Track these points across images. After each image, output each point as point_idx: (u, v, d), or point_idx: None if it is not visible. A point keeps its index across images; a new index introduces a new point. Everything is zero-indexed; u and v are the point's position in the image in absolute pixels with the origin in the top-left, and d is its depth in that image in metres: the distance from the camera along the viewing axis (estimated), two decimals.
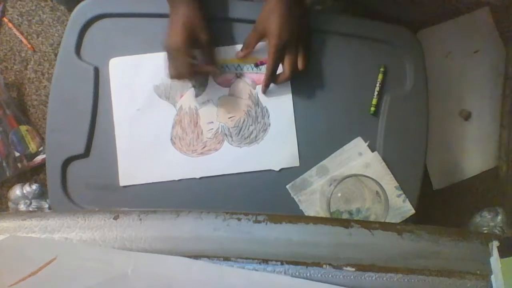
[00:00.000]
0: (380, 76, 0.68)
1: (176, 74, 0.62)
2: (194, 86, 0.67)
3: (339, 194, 0.64)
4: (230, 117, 0.67)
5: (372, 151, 0.67)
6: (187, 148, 0.66)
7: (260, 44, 0.65)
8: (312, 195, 0.66)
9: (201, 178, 0.66)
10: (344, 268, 0.41)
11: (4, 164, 0.99)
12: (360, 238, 0.43)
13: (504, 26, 1.07)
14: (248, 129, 0.67)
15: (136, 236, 0.42)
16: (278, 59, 0.63)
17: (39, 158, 1.02)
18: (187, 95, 0.67)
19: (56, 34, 1.07)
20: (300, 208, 0.66)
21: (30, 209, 0.88)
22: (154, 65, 0.66)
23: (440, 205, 1.06)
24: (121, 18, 0.67)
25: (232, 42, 0.67)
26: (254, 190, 0.66)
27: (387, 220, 0.59)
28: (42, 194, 0.92)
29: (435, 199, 1.06)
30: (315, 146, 0.67)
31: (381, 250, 0.43)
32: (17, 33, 1.06)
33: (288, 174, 0.66)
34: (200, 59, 0.64)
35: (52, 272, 0.39)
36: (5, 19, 1.06)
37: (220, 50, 0.67)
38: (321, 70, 0.68)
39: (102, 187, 0.65)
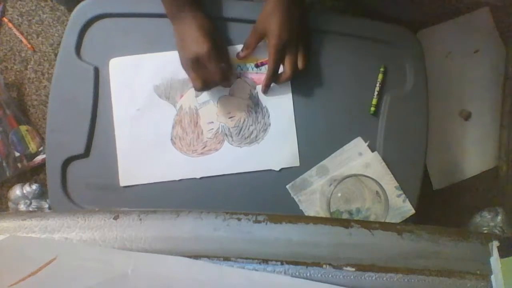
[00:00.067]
0: (380, 76, 0.68)
1: (207, 83, 0.61)
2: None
3: (339, 194, 0.64)
4: (230, 117, 0.67)
5: (372, 151, 0.67)
6: (187, 148, 0.66)
7: (260, 45, 0.65)
8: (312, 195, 0.66)
9: (201, 178, 0.66)
10: (344, 268, 0.41)
11: (4, 164, 0.99)
12: (360, 238, 0.43)
13: (504, 26, 1.06)
14: (248, 129, 0.67)
15: (136, 236, 0.42)
16: (279, 59, 0.63)
17: (39, 158, 1.02)
18: (187, 95, 0.67)
19: (56, 34, 1.07)
20: (300, 208, 0.66)
21: (30, 209, 0.88)
22: (154, 65, 0.66)
23: (440, 205, 1.06)
24: (121, 18, 0.67)
25: (232, 42, 0.67)
26: (254, 190, 0.66)
27: (387, 220, 0.59)
28: (42, 194, 0.92)
29: (435, 199, 1.05)
30: (315, 146, 0.67)
31: (381, 250, 0.43)
32: (17, 33, 1.06)
33: (288, 174, 0.66)
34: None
35: (52, 272, 0.39)
36: (5, 19, 1.06)
37: None
38: (321, 70, 0.68)
39: (102, 187, 0.65)
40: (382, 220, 0.58)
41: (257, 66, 0.67)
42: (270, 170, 0.66)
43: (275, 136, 0.67)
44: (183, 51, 0.61)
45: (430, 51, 1.05)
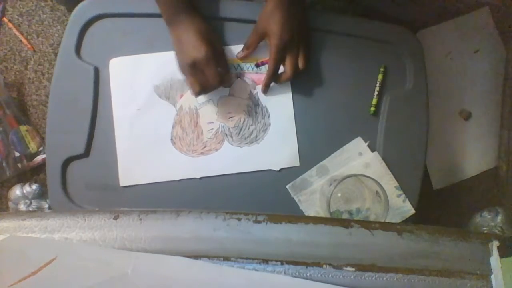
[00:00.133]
0: (380, 76, 0.68)
1: (204, 87, 0.61)
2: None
3: (339, 194, 0.64)
4: (230, 117, 0.67)
5: (372, 151, 0.67)
6: (187, 148, 0.66)
7: (261, 44, 0.65)
8: (312, 195, 0.66)
9: (201, 178, 0.66)
10: (344, 268, 0.41)
11: (4, 164, 0.99)
12: (360, 238, 0.43)
13: (504, 26, 1.07)
14: (248, 129, 0.67)
15: (136, 236, 0.42)
16: (279, 59, 0.63)
17: (39, 158, 1.02)
18: (187, 95, 0.67)
19: (56, 34, 1.07)
20: (300, 208, 0.66)
21: (30, 209, 0.88)
22: (154, 65, 0.66)
23: (440, 205, 1.06)
24: (121, 18, 0.67)
25: (232, 42, 0.67)
26: (254, 190, 0.66)
27: (387, 220, 0.59)
28: (42, 194, 0.92)
29: (435, 199, 1.06)
30: (315, 146, 0.67)
31: (381, 250, 0.43)
32: (17, 33, 1.06)
33: (288, 174, 0.66)
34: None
35: (52, 272, 0.39)
36: (5, 19, 1.06)
37: None
38: (321, 70, 0.68)
39: (102, 187, 0.65)
40: (382, 220, 0.58)
41: (257, 66, 0.67)
42: (270, 170, 0.66)
43: (275, 136, 0.67)
44: (180, 55, 0.61)
45: (430, 51, 1.05)
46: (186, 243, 0.42)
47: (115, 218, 0.43)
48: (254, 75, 0.67)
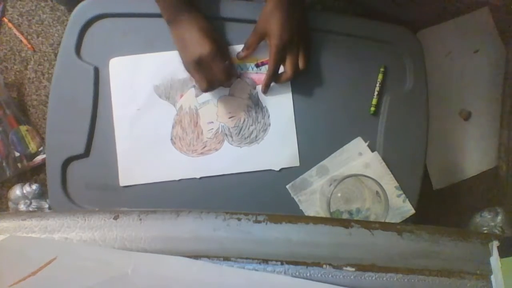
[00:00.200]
0: (380, 76, 0.68)
1: (212, 83, 0.61)
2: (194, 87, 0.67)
3: (339, 194, 0.64)
4: (230, 117, 0.67)
5: (372, 151, 0.67)
6: (187, 148, 0.66)
7: (261, 44, 0.65)
8: (312, 195, 0.66)
9: (201, 178, 0.66)
10: (344, 268, 0.41)
11: (4, 164, 0.99)
12: (360, 238, 0.43)
13: (504, 26, 1.06)
14: (248, 129, 0.67)
15: (136, 236, 0.42)
16: (279, 59, 0.63)
17: (39, 158, 1.02)
18: (187, 95, 0.67)
19: (56, 34, 1.07)
20: (300, 208, 0.66)
21: (30, 209, 0.88)
22: (154, 65, 0.66)
23: (440, 205, 1.06)
24: (121, 18, 0.67)
25: (232, 42, 0.67)
26: (254, 190, 0.66)
27: (387, 220, 0.59)
28: (42, 194, 0.92)
29: (435, 199, 1.05)
30: (315, 146, 0.67)
31: (381, 250, 0.43)
32: (17, 33, 1.06)
33: (288, 174, 0.66)
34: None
35: (52, 272, 0.39)
36: (5, 19, 1.06)
37: None
38: (321, 70, 0.68)
39: (102, 187, 0.65)
40: (382, 220, 0.58)
41: (257, 66, 0.67)
42: (270, 170, 0.66)
43: (275, 136, 0.67)
44: (185, 53, 0.61)
45: (430, 51, 1.05)
46: (186, 243, 0.42)
47: (115, 218, 0.43)
48: (254, 75, 0.67)
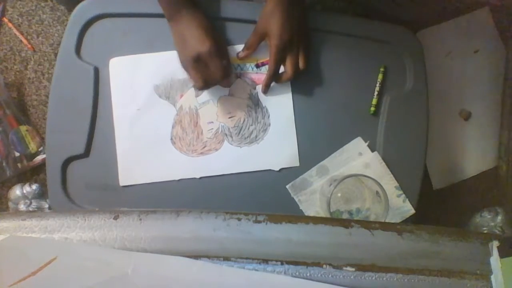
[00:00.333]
0: (380, 76, 0.68)
1: (208, 81, 0.61)
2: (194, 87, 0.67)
3: (339, 194, 0.64)
4: (230, 117, 0.67)
5: (372, 151, 0.67)
6: (187, 148, 0.66)
7: (261, 45, 0.65)
8: (312, 195, 0.66)
9: (201, 178, 0.66)
10: (344, 268, 0.41)
11: (4, 164, 0.99)
12: (360, 238, 0.43)
13: (504, 26, 1.07)
14: (248, 129, 0.67)
15: (136, 236, 0.42)
16: (279, 59, 0.63)
17: (39, 158, 1.02)
18: (187, 95, 0.67)
19: (56, 34, 1.07)
20: (300, 208, 0.66)
21: (30, 209, 0.88)
22: (154, 65, 0.66)
23: (440, 205, 1.06)
24: (121, 18, 0.67)
25: (232, 42, 0.67)
26: (254, 190, 0.66)
27: (387, 220, 0.59)
28: (42, 194, 0.92)
29: (435, 199, 1.05)
30: (315, 146, 0.67)
31: (381, 250, 0.43)
32: (17, 33, 1.06)
33: (288, 174, 0.66)
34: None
35: (52, 272, 0.39)
36: (5, 19, 1.06)
37: None
38: (321, 70, 0.68)
39: (102, 187, 0.65)
40: (382, 220, 0.58)
41: (257, 66, 0.67)
42: (270, 170, 0.66)
43: (275, 136, 0.67)
44: (183, 50, 0.61)
45: (430, 51, 1.05)
46: (186, 243, 0.42)
47: (115, 218, 0.43)
48: (254, 75, 0.67)
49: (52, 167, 0.65)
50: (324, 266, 0.41)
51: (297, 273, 0.40)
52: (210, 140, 0.67)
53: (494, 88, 1.07)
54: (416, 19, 1.05)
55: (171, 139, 0.66)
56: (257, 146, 0.67)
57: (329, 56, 0.68)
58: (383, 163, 0.66)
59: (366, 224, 0.44)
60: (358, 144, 0.67)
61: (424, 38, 1.05)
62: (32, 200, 0.90)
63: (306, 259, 0.42)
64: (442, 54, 1.06)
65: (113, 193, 0.65)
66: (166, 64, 0.66)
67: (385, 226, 0.44)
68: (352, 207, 0.64)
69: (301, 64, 0.64)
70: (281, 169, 0.66)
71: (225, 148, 0.66)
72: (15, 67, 1.06)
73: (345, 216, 0.64)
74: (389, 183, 0.66)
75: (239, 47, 0.66)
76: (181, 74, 0.65)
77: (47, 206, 0.90)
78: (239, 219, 0.43)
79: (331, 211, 0.59)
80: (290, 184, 0.66)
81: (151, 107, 0.66)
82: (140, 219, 0.43)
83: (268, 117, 0.67)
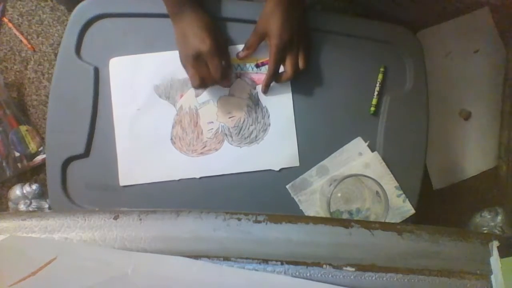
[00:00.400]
0: (380, 76, 0.68)
1: (205, 80, 0.62)
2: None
3: (339, 194, 0.64)
4: (230, 117, 0.67)
5: (372, 151, 0.67)
6: (187, 148, 0.66)
7: (261, 45, 0.65)
8: (312, 195, 0.66)
9: (201, 178, 0.66)
10: (344, 268, 0.41)
11: (4, 164, 0.99)
12: (360, 238, 0.43)
13: (504, 26, 1.07)
14: (248, 129, 0.67)
15: (136, 236, 0.42)
16: (279, 59, 0.63)
17: (39, 158, 1.02)
18: (187, 95, 0.67)
19: (56, 34, 1.07)
20: (300, 208, 0.66)
21: (30, 209, 0.88)
22: (154, 65, 0.66)
23: (440, 205, 1.06)
24: (121, 18, 0.67)
25: (232, 42, 0.67)
26: (254, 190, 0.66)
27: (387, 220, 0.59)
28: (42, 194, 0.92)
29: (435, 199, 1.05)
30: (315, 146, 0.67)
31: (381, 250, 0.43)
32: (17, 33, 1.06)
33: (288, 174, 0.66)
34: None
35: (52, 272, 0.39)
36: (5, 19, 1.06)
37: None
38: (321, 70, 0.68)
39: (102, 187, 0.65)
40: (382, 220, 0.58)
41: (257, 66, 0.67)
42: (270, 170, 0.66)
43: (275, 136, 0.67)
44: (184, 47, 0.61)
45: (430, 51, 1.05)
46: (186, 243, 0.42)
47: (115, 218, 0.43)
48: (254, 75, 0.67)
49: (52, 167, 0.65)
50: (324, 266, 0.41)
51: (297, 273, 0.40)
52: (210, 140, 0.67)
53: (494, 88, 1.07)
54: (416, 19, 1.05)
55: (171, 139, 0.66)
56: (257, 146, 0.67)
57: (329, 56, 0.68)
58: (383, 163, 0.66)
59: (366, 224, 0.44)
60: (358, 144, 0.67)
61: (424, 38, 1.05)
62: (32, 200, 0.90)
63: (306, 259, 0.42)
64: (442, 54, 1.06)
65: (113, 193, 0.65)
66: (166, 64, 0.66)
67: (385, 226, 0.44)
68: (352, 207, 0.64)
69: (301, 64, 0.64)
70: (281, 169, 0.66)
71: (225, 148, 0.66)
72: (15, 67, 1.06)
73: (345, 216, 0.64)
74: (389, 183, 0.66)
75: (239, 47, 0.66)
76: (181, 74, 0.65)
77: (47, 206, 0.90)
78: (239, 219, 0.43)
79: (331, 211, 0.59)
80: (290, 184, 0.66)
81: (151, 107, 0.66)
82: (140, 219, 0.43)
83: (268, 117, 0.67)
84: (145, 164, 0.66)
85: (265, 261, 0.41)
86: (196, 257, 0.41)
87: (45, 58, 1.07)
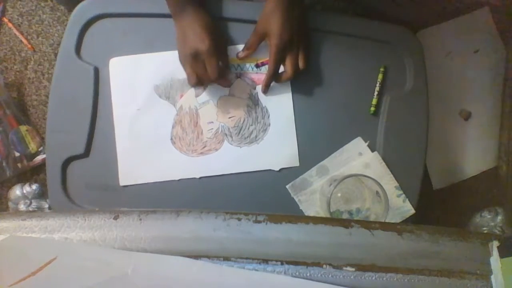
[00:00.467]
0: (380, 76, 0.68)
1: (202, 79, 0.62)
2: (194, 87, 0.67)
3: (339, 194, 0.64)
4: (230, 117, 0.67)
5: (372, 151, 0.67)
6: (187, 148, 0.66)
7: (261, 45, 0.65)
8: (312, 195, 0.66)
9: (201, 178, 0.66)
10: (344, 268, 0.41)
11: (4, 164, 0.99)
12: (360, 238, 0.43)
13: (504, 26, 1.06)
14: (248, 129, 0.67)
15: (136, 236, 0.42)
16: (279, 59, 0.63)
17: (39, 158, 1.02)
18: (187, 95, 0.67)
19: (56, 34, 1.07)
20: (300, 208, 0.66)
21: (30, 209, 0.88)
22: (154, 65, 0.66)
23: (440, 205, 1.06)
24: (121, 18, 0.67)
25: (232, 42, 0.67)
26: (254, 190, 0.66)
27: (387, 220, 0.59)
28: (42, 194, 0.92)
29: (435, 199, 1.05)
30: (315, 146, 0.67)
31: (381, 250, 0.43)
32: (17, 33, 1.06)
33: (288, 174, 0.66)
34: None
35: (52, 272, 0.39)
36: (5, 19, 1.06)
37: None
38: (321, 70, 0.68)
39: (102, 187, 0.65)
40: (382, 220, 0.58)
41: (257, 66, 0.67)
42: (270, 170, 0.66)
43: (275, 136, 0.67)
44: (183, 45, 0.62)
45: (430, 51, 1.05)
46: (186, 243, 0.42)
47: (115, 218, 0.43)
48: (254, 75, 0.67)
49: (52, 167, 0.65)
50: (324, 266, 0.41)
51: (297, 273, 0.40)
52: (210, 140, 0.67)
53: (494, 88, 1.06)
54: (416, 19, 1.05)
55: (171, 139, 0.66)
56: (257, 146, 0.67)
57: (329, 56, 0.68)
58: (383, 163, 0.66)
59: (366, 224, 0.44)
60: (358, 144, 0.67)
61: (424, 38, 1.05)
62: (32, 200, 0.90)
63: (306, 259, 0.42)
64: (442, 54, 1.06)
65: (113, 193, 0.65)
66: (166, 64, 0.66)
67: (385, 226, 0.44)
68: (352, 207, 0.64)
69: (301, 64, 0.64)
70: (281, 169, 0.66)
71: (225, 148, 0.66)
72: (15, 67, 1.06)
73: (345, 216, 0.64)
74: (389, 183, 0.66)
75: (239, 47, 0.66)
76: (181, 74, 0.65)
77: (47, 206, 0.89)
78: (239, 219, 0.43)
79: (331, 211, 0.59)
80: (290, 184, 0.66)
81: (151, 107, 0.66)
82: (140, 219, 0.43)
83: (268, 117, 0.67)
84: (145, 164, 0.66)
85: (265, 261, 0.41)
86: (196, 257, 0.41)
87: (45, 58, 1.07)
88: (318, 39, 0.67)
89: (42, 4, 1.07)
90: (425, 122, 0.68)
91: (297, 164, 0.67)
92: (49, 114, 0.66)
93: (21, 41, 1.06)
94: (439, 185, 1.06)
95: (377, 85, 0.68)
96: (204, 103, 0.67)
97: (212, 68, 0.61)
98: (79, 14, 0.66)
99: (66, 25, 0.67)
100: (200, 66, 0.61)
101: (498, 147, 1.06)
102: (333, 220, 0.46)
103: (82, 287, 0.39)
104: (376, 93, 0.67)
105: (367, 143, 0.67)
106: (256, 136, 0.67)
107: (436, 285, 0.41)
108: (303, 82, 0.67)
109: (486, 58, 1.06)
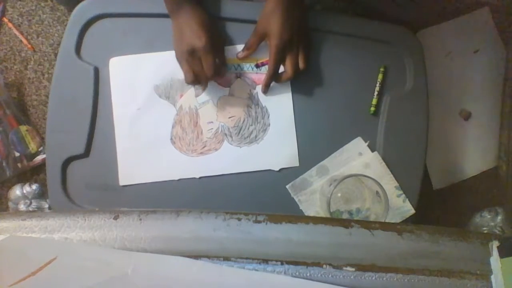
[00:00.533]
0: (380, 76, 0.68)
1: (198, 76, 0.62)
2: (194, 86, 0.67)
3: (339, 194, 0.64)
4: (230, 117, 0.67)
5: (372, 151, 0.67)
6: (187, 148, 0.66)
7: (261, 45, 0.65)
8: (312, 195, 0.66)
9: (200, 178, 0.66)
10: (344, 268, 0.41)
11: (4, 164, 0.99)
12: (360, 238, 0.43)
13: (504, 26, 1.07)
14: (248, 129, 0.67)
15: (136, 236, 0.42)
16: (279, 59, 0.63)
17: (39, 158, 1.02)
18: (187, 94, 0.67)
19: (56, 34, 1.07)
20: (300, 208, 0.66)
21: (30, 209, 0.88)
22: (154, 65, 0.66)
23: (440, 205, 1.06)
24: (121, 18, 0.67)
25: (232, 42, 0.67)
26: (254, 190, 0.66)
27: (387, 220, 0.59)
28: (42, 194, 0.92)
29: (435, 199, 1.05)
30: (315, 146, 0.67)
31: (381, 250, 0.43)
32: (17, 33, 1.06)
33: (288, 174, 0.66)
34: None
35: (52, 272, 0.39)
36: (5, 19, 1.06)
37: None
38: (321, 70, 0.68)
39: (102, 187, 0.65)
40: (382, 220, 0.58)
41: (257, 66, 0.67)
42: (270, 170, 0.66)
43: (275, 136, 0.67)
44: (180, 43, 0.62)
45: (430, 51, 1.05)
46: (186, 243, 0.42)
47: (115, 218, 0.43)
48: (254, 75, 0.67)
49: (52, 167, 0.65)
50: (324, 266, 0.41)
51: (297, 273, 0.40)
52: (210, 140, 0.67)
53: (494, 88, 1.06)
54: (416, 19, 1.05)
55: (171, 139, 0.66)
56: (257, 146, 0.67)
57: (329, 56, 0.68)
58: (383, 163, 0.66)
59: (366, 224, 0.44)
60: (358, 144, 0.67)
61: (424, 38, 1.05)
62: (32, 200, 0.90)
63: (306, 259, 0.42)
64: (442, 54, 1.06)
65: (113, 193, 0.65)
66: (166, 64, 0.66)
67: (385, 226, 0.44)
68: (352, 207, 0.64)
69: (301, 64, 0.64)
70: (281, 169, 0.66)
71: (225, 148, 0.66)
72: (15, 67, 1.06)
73: (345, 216, 0.64)
74: (389, 183, 0.66)
75: (239, 47, 0.66)
76: (181, 74, 0.65)
77: (47, 206, 0.90)
78: (239, 219, 0.43)
79: (331, 211, 0.59)
80: (290, 184, 0.66)
81: (151, 107, 0.66)
82: (140, 219, 0.43)
83: (268, 117, 0.67)
84: (145, 164, 0.66)
85: (265, 261, 0.41)
86: (196, 257, 0.41)
87: (45, 58, 1.07)
88: (318, 39, 0.67)
89: (42, 4, 1.07)
90: (425, 122, 0.68)
91: (297, 164, 0.67)
92: (49, 114, 0.66)
93: (21, 41, 1.06)
94: (439, 185, 1.06)
95: (377, 85, 0.68)
96: (204, 103, 0.67)
97: (209, 65, 0.61)
98: (79, 14, 0.66)
99: (66, 25, 0.67)
100: (197, 63, 0.61)
101: (498, 147, 1.06)
102: (333, 220, 0.46)
103: (82, 287, 0.39)
104: (376, 93, 0.67)
105: (367, 143, 0.67)
106: (256, 136, 0.67)
107: (436, 285, 0.41)
108: (303, 82, 0.67)
109: (486, 58, 1.06)
